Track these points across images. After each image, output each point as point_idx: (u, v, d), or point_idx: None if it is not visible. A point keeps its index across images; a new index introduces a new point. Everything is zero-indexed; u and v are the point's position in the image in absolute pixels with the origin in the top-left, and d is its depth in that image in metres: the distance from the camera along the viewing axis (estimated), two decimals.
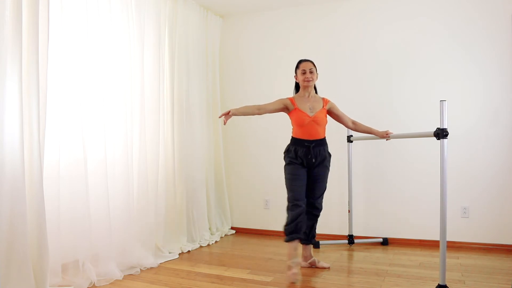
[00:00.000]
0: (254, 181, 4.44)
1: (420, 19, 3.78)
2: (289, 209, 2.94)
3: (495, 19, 3.54)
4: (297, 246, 2.90)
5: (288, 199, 2.96)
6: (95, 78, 2.87)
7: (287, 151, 3.09)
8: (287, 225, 2.91)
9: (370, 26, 3.98)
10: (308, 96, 3.06)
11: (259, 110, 3.01)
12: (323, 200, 3.13)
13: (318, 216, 3.09)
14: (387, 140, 3.19)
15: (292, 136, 3.08)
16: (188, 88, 3.91)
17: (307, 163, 3.01)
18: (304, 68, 3.02)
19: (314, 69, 3.04)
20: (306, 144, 2.99)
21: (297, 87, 3.18)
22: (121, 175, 3.05)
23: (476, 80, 3.61)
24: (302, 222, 2.90)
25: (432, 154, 3.65)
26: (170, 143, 3.69)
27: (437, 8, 3.72)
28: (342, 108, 3.26)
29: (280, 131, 4.08)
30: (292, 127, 3.11)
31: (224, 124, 2.85)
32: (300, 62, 3.09)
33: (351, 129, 3.24)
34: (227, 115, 2.83)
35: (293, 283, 2.77)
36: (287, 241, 2.89)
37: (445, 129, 2.41)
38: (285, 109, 3.06)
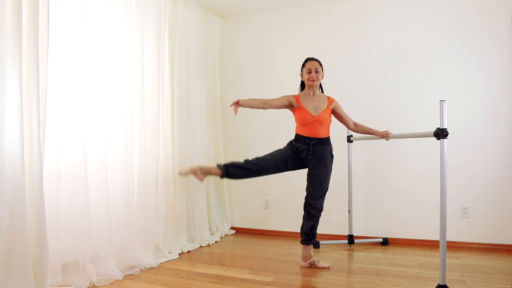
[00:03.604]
0: (254, 181, 4.42)
1: (420, 19, 3.78)
2: (243, 164, 3.00)
3: (495, 19, 3.53)
4: (214, 172, 3.00)
5: (253, 158, 3.03)
6: (95, 79, 2.87)
7: (289, 142, 3.11)
8: (231, 163, 3.04)
9: (370, 26, 3.98)
10: (313, 95, 3.07)
11: (264, 105, 3.03)
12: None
13: (318, 217, 3.08)
14: (387, 140, 3.19)
15: (295, 133, 3.10)
16: (188, 88, 3.91)
17: (305, 160, 3.02)
18: (310, 67, 3.03)
19: (320, 69, 3.04)
20: (307, 141, 3.00)
21: (302, 84, 3.18)
22: (121, 175, 3.05)
23: (476, 80, 3.61)
24: (241, 171, 3.00)
25: (432, 154, 3.65)
26: (170, 143, 3.69)
27: (437, 8, 3.72)
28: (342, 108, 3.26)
29: (280, 131, 4.08)
30: (295, 125, 3.12)
31: (235, 114, 2.86)
32: (306, 60, 3.09)
33: (352, 130, 3.26)
34: (236, 104, 2.85)
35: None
36: (220, 168, 2.99)
37: (445, 129, 2.41)
38: (290, 106, 3.07)
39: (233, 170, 3.00)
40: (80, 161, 2.71)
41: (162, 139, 3.58)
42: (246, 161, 3.02)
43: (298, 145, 3.03)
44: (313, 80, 3.02)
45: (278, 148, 3.13)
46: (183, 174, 3.02)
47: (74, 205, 2.69)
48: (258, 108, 3.03)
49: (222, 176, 3.01)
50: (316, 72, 3.02)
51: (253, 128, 4.44)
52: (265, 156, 3.06)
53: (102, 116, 2.90)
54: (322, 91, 3.20)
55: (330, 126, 3.14)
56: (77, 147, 2.71)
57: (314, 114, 3.00)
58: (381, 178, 3.93)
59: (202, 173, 2.99)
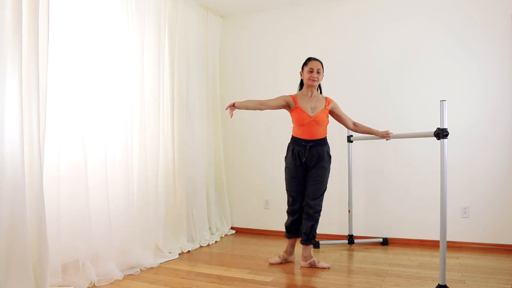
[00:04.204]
0: (254, 181, 4.44)
1: (420, 19, 3.78)
2: (288, 212, 3.21)
3: (495, 19, 3.53)
4: (293, 243, 3.22)
5: (287, 202, 3.21)
6: (95, 79, 2.87)
7: (287, 151, 3.10)
8: (287, 225, 3.22)
9: (370, 26, 3.98)
10: (311, 95, 3.07)
11: (261, 106, 3.01)
12: (323, 201, 3.13)
13: (316, 217, 3.08)
14: (387, 140, 3.19)
15: (292, 135, 3.09)
16: (188, 89, 3.91)
17: (304, 163, 3.02)
18: (312, 67, 3.02)
19: (321, 70, 3.05)
20: (303, 143, 3.00)
21: (301, 83, 3.18)
22: (121, 175, 3.05)
23: (477, 80, 3.61)
24: (297, 224, 3.18)
25: (432, 154, 3.65)
26: (170, 143, 3.69)
27: (437, 8, 3.72)
28: (342, 108, 3.26)
29: (280, 131, 4.08)
30: (292, 126, 3.11)
31: (231, 117, 2.87)
32: (309, 59, 3.08)
33: (352, 130, 3.25)
34: (232, 106, 2.84)
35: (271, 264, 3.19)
36: (287, 237, 3.24)
37: (445, 129, 2.41)
38: (287, 106, 3.06)
39: (294, 228, 3.18)
40: (80, 161, 2.71)
41: (162, 139, 3.58)
42: (290, 212, 3.18)
43: (297, 149, 3.02)
44: (313, 80, 3.02)
45: (285, 176, 3.17)
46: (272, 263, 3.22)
47: (74, 205, 2.69)
48: (254, 109, 3.02)
49: (302, 242, 3.13)
50: (318, 73, 3.02)
51: (252, 128, 4.44)
52: (291, 195, 3.15)
53: (102, 116, 2.90)
54: (321, 92, 3.20)
55: (330, 126, 3.14)
56: (77, 147, 2.71)
57: (311, 114, 3.00)
58: (381, 178, 3.93)
59: (291, 252, 3.23)
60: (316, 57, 3.12)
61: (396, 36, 3.88)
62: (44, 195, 2.39)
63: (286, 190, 3.17)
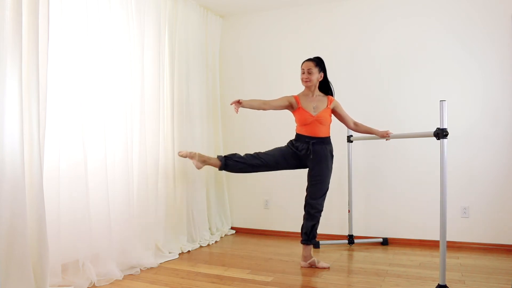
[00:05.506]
0: (254, 181, 4.44)
1: (420, 19, 3.78)
2: (246, 155, 3.03)
3: (495, 19, 3.54)
4: (213, 162, 3.01)
5: (253, 153, 3.05)
6: (95, 79, 2.86)
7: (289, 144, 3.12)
8: (232, 156, 3.04)
9: (370, 26, 3.98)
10: (313, 95, 3.08)
11: (265, 105, 3.02)
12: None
13: (318, 217, 3.08)
14: (387, 140, 3.20)
15: (296, 133, 3.11)
16: (188, 88, 3.91)
17: (305, 159, 3.02)
18: (303, 68, 3.05)
19: (313, 69, 3.03)
20: (306, 140, 3.01)
21: None
22: (121, 175, 3.05)
23: (476, 80, 3.61)
24: (240, 165, 2.99)
25: (432, 154, 3.65)
26: (170, 143, 3.69)
27: (437, 8, 3.72)
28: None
29: (280, 131, 4.08)
30: (296, 125, 3.13)
31: (237, 112, 2.86)
32: (303, 61, 3.09)
33: (352, 129, 3.26)
34: (238, 103, 2.85)
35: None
36: (220, 160, 3.01)
37: (445, 129, 2.41)
38: (290, 106, 3.08)
39: (232, 163, 3.01)
40: (80, 161, 2.71)
41: (162, 139, 3.58)
42: (247, 154, 3.05)
43: (298, 144, 3.03)
44: (306, 81, 3.04)
45: (279, 146, 3.15)
46: (182, 155, 3.00)
47: (74, 205, 2.69)
48: (258, 109, 3.03)
49: (220, 168, 3.03)
50: (309, 73, 3.02)
51: (252, 128, 4.44)
52: (265, 151, 3.10)
53: (102, 116, 2.90)
54: (332, 94, 3.16)
55: (330, 126, 3.14)
56: (77, 147, 2.71)
57: (313, 114, 3.01)
58: (381, 178, 3.93)
59: (201, 160, 2.99)
60: (313, 57, 3.09)
61: (396, 36, 3.88)
62: (44, 195, 2.38)
63: (265, 151, 3.09)
